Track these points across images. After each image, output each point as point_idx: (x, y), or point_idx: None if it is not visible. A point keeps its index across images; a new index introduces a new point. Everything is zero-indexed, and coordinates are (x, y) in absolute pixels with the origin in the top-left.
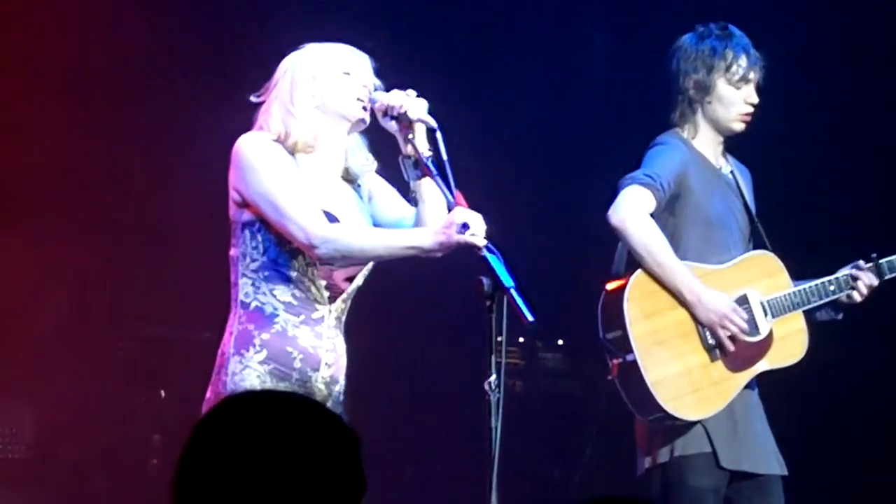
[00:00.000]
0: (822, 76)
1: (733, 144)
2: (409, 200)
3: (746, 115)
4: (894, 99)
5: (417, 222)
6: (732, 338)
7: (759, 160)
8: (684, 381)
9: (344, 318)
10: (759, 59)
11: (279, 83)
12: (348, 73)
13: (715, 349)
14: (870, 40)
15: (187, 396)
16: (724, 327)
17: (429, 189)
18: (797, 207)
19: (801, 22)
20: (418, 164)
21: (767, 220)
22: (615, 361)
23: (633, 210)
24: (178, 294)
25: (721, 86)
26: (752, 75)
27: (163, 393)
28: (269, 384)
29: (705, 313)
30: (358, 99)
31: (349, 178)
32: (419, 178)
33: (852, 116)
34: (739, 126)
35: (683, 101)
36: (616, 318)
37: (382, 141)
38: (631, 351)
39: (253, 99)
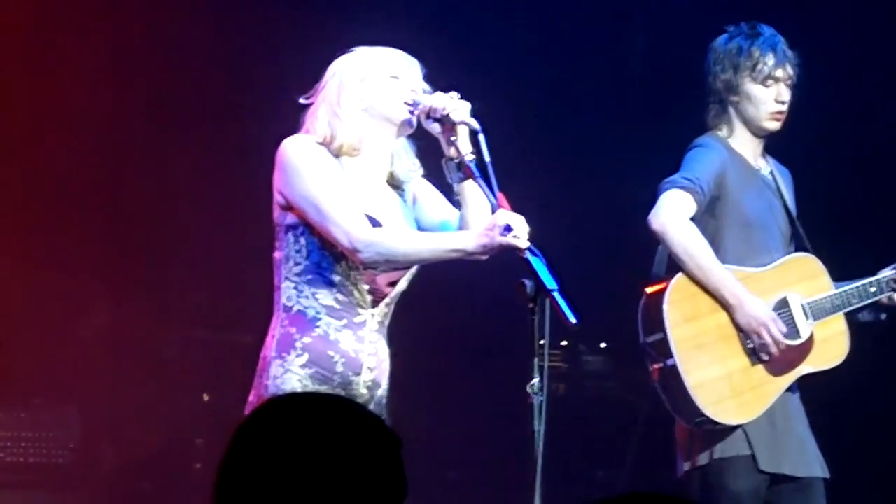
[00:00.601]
0: (860, 77)
1: (774, 145)
2: (453, 203)
3: (778, 113)
4: None
5: (461, 225)
6: (770, 345)
7: (799, 161)
8: (725, 385)
9: (387, 323)
10: (791, 57)
11: (327, 85)
12: (396, 77)
13: (755, 353)
14: None
15: (230, 400)
16: (760, 336)
17: (472, 191)
18: (839, 208)
19: (846, 26)
20: (461, 166)
21: (809, 221)
22: (656, 366)
23: (673, 214)
24: (223, 297)
25: (749, 85)
26: (780, 73)
27: (206, 396)
28: (311, 388)
29: (745, 318)
30: (405, 103)
31: (394, 182)
32: (462, 180)
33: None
34: (772, 125)
35: (716, 102)
36: (656, 321)
37: (428, 144)
38: (671, 355)
39: (302, 101)
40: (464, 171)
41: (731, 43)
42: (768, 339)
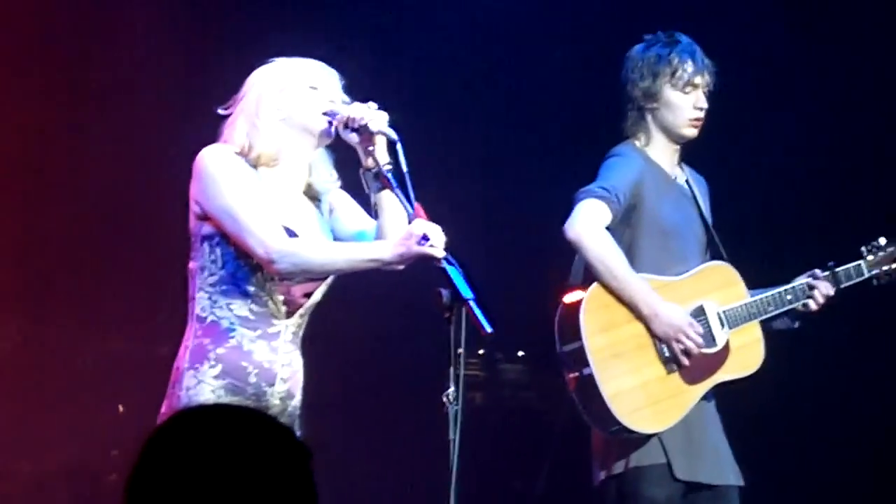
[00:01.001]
0: (778, 86)
1: (689, 154)
2: (370, 214)
3: (696, 120)
4: (852, 108)
5: (378, 235)
6: (687, 351)
7: (715, 169)
8: (641, 394)
9: (301, 333)
10: (709, 65)
11: (246, 96)
12: (315, 88)
13: (671, 362)
14: (832, 51)
15: (146, 411)
16: (679, 341)
17: (389, 201)
18: (754, 216)
19: (763, 32)
20: (378, 176)
21: (725, 229)
22: (572, 375)
23: (588, 223)
24: (138, 308)
25: (668, 91)
26: (698, 80)
27: (121, 407)
28: (224, 399)
29: (661, 327)
30: (323, 113)
31: (312, 193)
32: (379, 190)
33: (810, 124)
34: (690, 131)
35: (633, 111)
36: (573, 331)
37: (346, 155)
38: (587, 364)
39: (220, 111)
40: (381, 182)
41: (650, 51)
42: (688, 343)
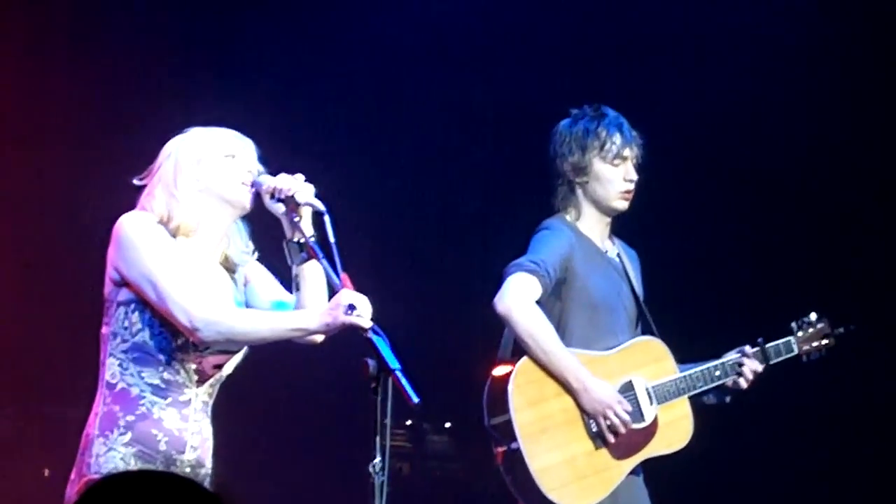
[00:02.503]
0: (704, 160)
1: (620, 227)
2: (290, 286)
3: (626, 192)
4: (781, 180)
5: (298, 307)
6: (615, 428)
7: (646, 243)
8: (568, 469)
9: (212, 403)
10: (636, 136)
11: (163, 166)
12: (232, 156)
13: (599, 437)
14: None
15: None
16: (606, 417)
17: (312, 273)
18: (686, 290)
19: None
20: (303, 247)
21: (655, 302)
22: (500, 449)
23: (518, 297)
24: (62, 371)
25: (597, 165)
26: (627, 152)
27: (46, 472)
28: (133, 466)
29: (590, 402)
30: (242, 183)
31: (228, 265)
32: (303, 262)
33: (738, 194)
34: (621, 204)
35: (563, 185)
36: (501, 405)
37: (264, 226)
38: (515, 439)
39: (136, 182)
40: (307, 252)
41: (577, 125)
42: (615, 420)
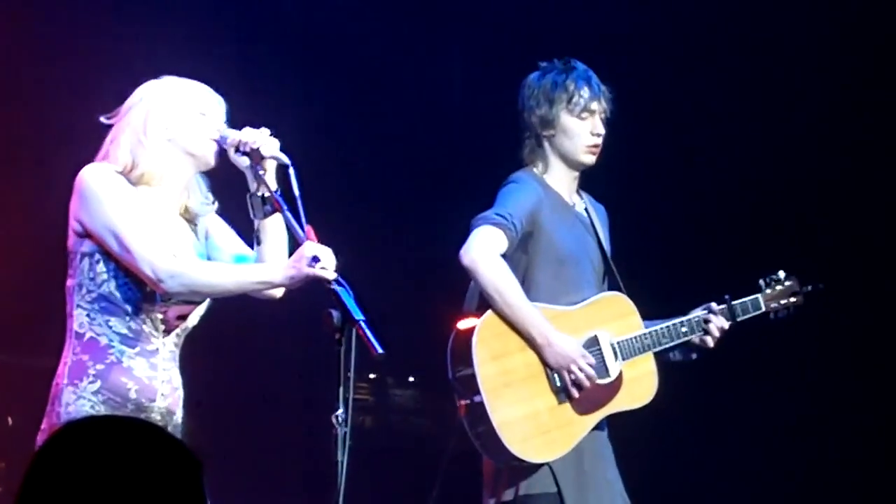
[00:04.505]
0: (677, 114)
1: (589, 181)
2: (250, 240)
3: (593, 146)
4: (754, 137)
5: (259, 261)
6: (579, 382)
7: (615, 198)
8: (531, 423)
9: (178, 353)
10: (605, 91)
11: (132, 110)
12: (204, 114)
13: (563, 392)
14: (732, 83)
15: (36, 424)
16: (571, 372)
17: (273, 228)
18: (653, 245)
19: (668, 59)
20: (266, 201)
21: (622, 258)
22: (463, 402)
23: (484, 250)
24: (26, 320)
25: (564, 118)
26: (594, 106)
27: (10, 420)
28: (104, 413)
29: (554, 357)
30: (215, 138)
31: (188, 216)
32: (266, 216)
33: (711, 150)
34: (588, 158)
35: (531, 138)
36: (465, 358)
37: (225, 180)
38: (478, 392)
39: (103, 119)
40: (271, 205)
41: (546, 78)
42: (579, 375)
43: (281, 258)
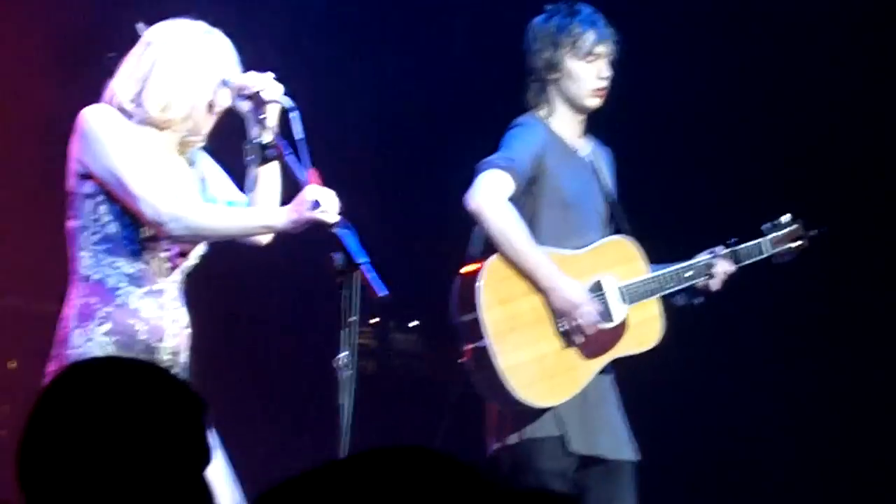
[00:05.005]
0: (687, 64)
1: (596, 125)
2: (241, 187)
3: (599, 90)
4: (764, 82)
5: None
6: (583, 328)
7: (621, 141)
8: (537, 367)
9: (182, 291)
10: (611, 34)
11: (147, 51)
12: (224, 83)
13: (568, 336)
14: (738, 31)
15: (38, 367)
16: (575, 317)
17: (268, 176)
18: (659, 189)
19: (672, 11)
20: (265, 147)
21: (630, 202)
22: (468, 346)
23: (490, 195)
24: (25, 264)
25: (569, 62)
26: (600, 49)
27: (14, 364)
28: (114, 355)
29: (559, 301)
30: (222, 83)
31: (181, 151)
32: (262, 163)
33: (718, 95)
34: (593, 101)
35: (536, 82)
36: (470, 302)
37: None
38: (483, 336)
39: (111, 55)
40: (273, 150)
41: (551, 21)
42: (582, 321)
43: (273, 206)
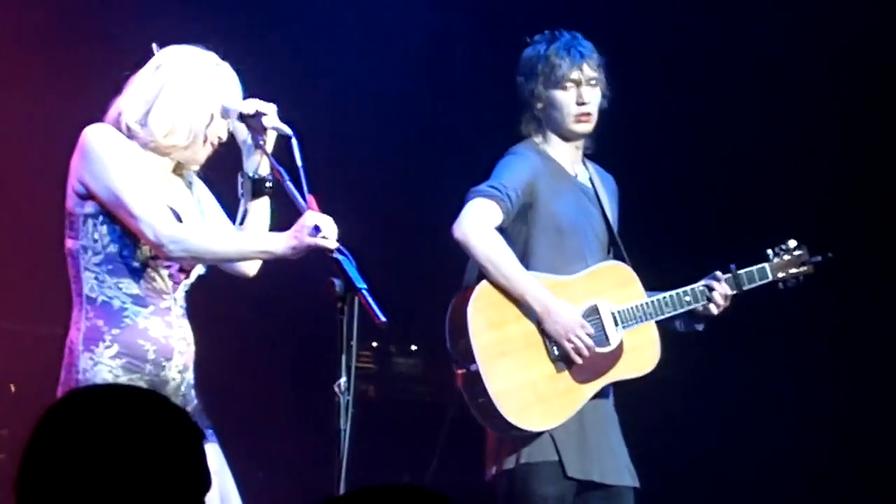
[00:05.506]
0: (689, 85)
1: (599, 151)
2: (233, 219)
3: (581, 115)
4: (764, 105)
5: None
6: (578, 351)
7: (624, 168)
8: (529, 392)
9: (186, 307)
10: (590, 57)
11: (156, 74)
12: (225, 114)
13: (561, 360)
14: (735, 52)
15: (38, 391)
16: (570, 341)
17: (259, 210)
18: (661, 217)
19: (671, 29)
20: (257, 181)
21: (633, 229)
22: (460, 371)
23: (475, 223)
24: (29, 288)
25: (548, 91)
26: (575, 75)
27: (13, 387)
28: (122, 378)
29: (552, 325)
30: (211, 144)
31: (179, 172)
32: (254, 196)
33: (723, 120)
34: (579, 127)
35: (526, 112)
36: (461, 327)
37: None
38: (474, 361)
39: (126, 75)
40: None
41: (532, 51)
42: (578, 344)
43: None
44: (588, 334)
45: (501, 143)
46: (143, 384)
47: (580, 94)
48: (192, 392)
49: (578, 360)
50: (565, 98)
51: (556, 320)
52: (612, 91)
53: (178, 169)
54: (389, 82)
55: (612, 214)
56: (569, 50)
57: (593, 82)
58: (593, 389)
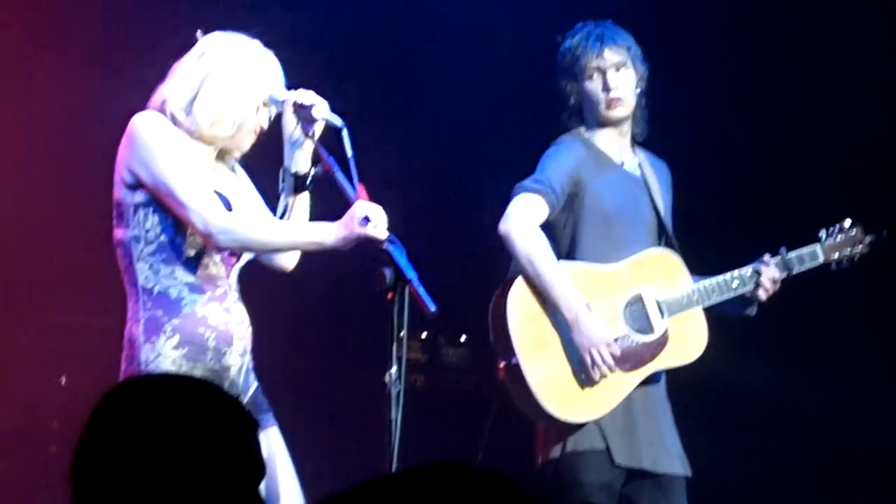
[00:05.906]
0: (746, 75)
1: (655, 138)
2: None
3: (610, 101)
4: (822, 90)
5: None
6: (598, 367)
7: (678, 155)
8: (569, 383)
9: (239, 290)
10: (613, 41)
11: (200, 61)
12: (268, 104)
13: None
14: (790, 39)
15: (88, 383)
16: (591, 356)
17: (300, 205)
18: (719, 203)
19: (705, 19)
20: (300, 178)
21: (688, 214)
22: (501, 364)
23: (519, 220)
24: (76, 280)
25: (578, 83)
26: (597, 63)
27: (63, 379)
28: (185, 367)
29: (578, 336)
30: (254, 132)
31: (221, 157)
32: (296, 192)
33: (778, 105)
34: (613, 112)
35: (566, 108)
36: (500, 320)
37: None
38: (514, 353)
39: (172, 64)
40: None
41: (563, 46)
42: (599, 361)
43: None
44: (613, 354)
45: (552, 132)
46: (205, 374)
47: (605, 80)
48: (252, 375)
49: (597, 376)
50: (592, 87)
51: (584, 332)
52: (650, 72)
53: (221, 155)
54: (441, 70)
55: (662, 201)
56: (588, 39)
57: (619, 67)
58: (637, 378)
